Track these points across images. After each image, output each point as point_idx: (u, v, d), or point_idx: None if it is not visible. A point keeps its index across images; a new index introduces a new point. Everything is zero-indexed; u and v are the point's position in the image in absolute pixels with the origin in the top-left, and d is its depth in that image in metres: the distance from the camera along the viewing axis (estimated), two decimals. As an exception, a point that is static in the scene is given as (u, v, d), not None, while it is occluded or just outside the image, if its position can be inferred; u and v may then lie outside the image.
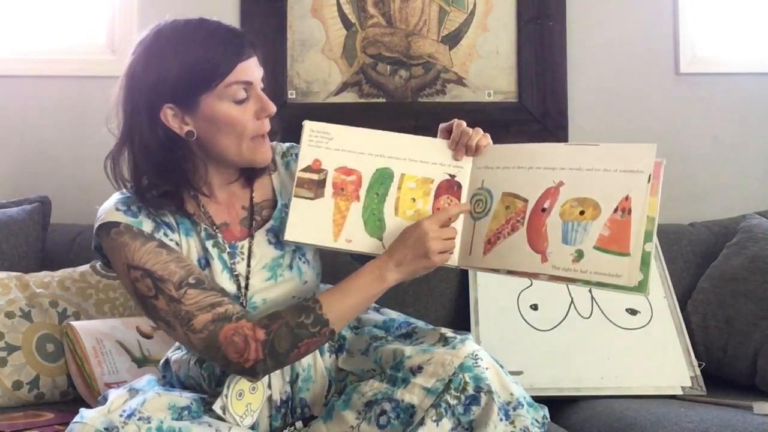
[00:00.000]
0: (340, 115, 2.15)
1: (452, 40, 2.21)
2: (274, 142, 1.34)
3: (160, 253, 1.18)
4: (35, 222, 1.93)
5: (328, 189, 1.26)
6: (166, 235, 1.22)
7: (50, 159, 2.16)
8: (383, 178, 1.27)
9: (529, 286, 1.79)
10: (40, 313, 1.70)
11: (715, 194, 2.23)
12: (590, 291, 1.78)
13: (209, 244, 1.25)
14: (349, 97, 2.20)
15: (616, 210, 1.14)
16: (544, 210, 1.20)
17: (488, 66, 2.21)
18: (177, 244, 1.23)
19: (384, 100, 2.20)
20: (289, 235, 1.25)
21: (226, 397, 1.19)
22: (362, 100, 2.19)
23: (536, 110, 2.18)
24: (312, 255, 1.34)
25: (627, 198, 1.14)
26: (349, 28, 2.20)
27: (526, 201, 1.22)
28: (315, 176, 1.27)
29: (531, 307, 1.77)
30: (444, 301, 1.88)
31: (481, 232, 1.24)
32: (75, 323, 1.65)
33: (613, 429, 1.40)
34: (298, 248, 1.32)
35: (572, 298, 1.78)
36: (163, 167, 1.21)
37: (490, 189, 1.26)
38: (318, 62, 2.20)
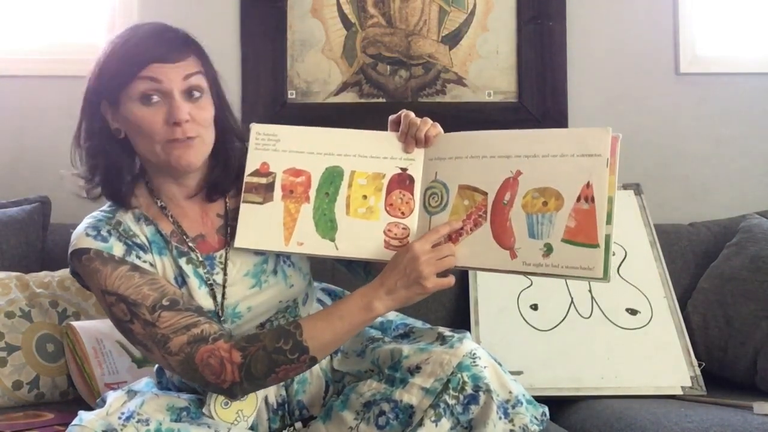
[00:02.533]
0: (340, 115, 2.16)
1: (452, 40, 2.21)
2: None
3: (132, 276, 1.16)
4: (35, 222, 1.93)
5: (277, 192, 1.24)
6: (138, 257, 1.20)
7: (50, 159, 2.15)
8: (333, 176, 1.25)
9: (529, 286, 1.79)
10: (40, 313, 1.70)
11: (715, 194, 2.23)
12: (590, 291, 1.78)
13: (182, 261, 1.23)
14: (349, 97, 2.20)
15: (579, 199, 1.11)
16: (505, 203, 1.16)
17: (488, 66, 2.21)
18: (151, 264, 1.21)
19: (384, 100, 2.19)
20: (240, 242, 1.23)
21: (209, 405, 1.19)
22: (362, 100, 2.19)
23: (536, 110, 2.18)
24: (297, 256, 1.30)
25: (588, 185, 1.11)
26: (349, 28, 2.20)
27: (485, 194, 1.18)
28: (263, 180, 1.25)
29: (531, 307, 1.77)
30: (444, 301, 1.88)
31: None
32: (75, 323, 1.65)
33: (613, 429, 1.40)
34: None
35: (572, 298, 1.78)
36: (95, 156, 1.23)
37: (445, 181, 1.22)
38: (318, 62, 2.20)
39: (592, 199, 1.10)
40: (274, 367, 1.12)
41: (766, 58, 2.26)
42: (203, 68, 1.21)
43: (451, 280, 1.17)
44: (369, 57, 2.20)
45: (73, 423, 1.12)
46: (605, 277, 1.08)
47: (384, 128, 1.29)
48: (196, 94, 1.19)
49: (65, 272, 1.79)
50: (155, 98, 1.17)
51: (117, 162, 1.23)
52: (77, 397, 1.65)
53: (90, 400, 1.59)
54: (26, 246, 1.89)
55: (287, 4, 2.18)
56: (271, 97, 2.17)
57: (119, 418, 1.11)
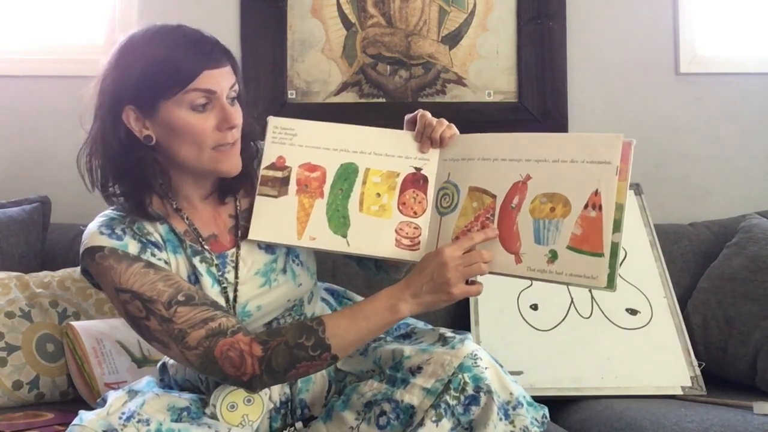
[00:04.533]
0: (340, 116, 2.15)
1: (452, 40, 2.21)
2: (260, 141, 1.31)
3: (147, 273, 1.15)
4: (35, 222, 1.93)
5: (292, 186, 1.25)
6: (153, 254, 1.20)
7: (50, 159, 2.16)
8: (347, 173, 1.25)
9: (529, 286, 1.79)
10: (40, 313, 1.70)
11: (715, 194, 2.23)
12: (590, 291, 1.78)
13: (196, 260, 1.23)
14: (349, 97, 2.20)
15: (586, 206, 1.11)
16: (513, 207, 1.16)
17: (488, 66, 2.21)
18: (166, 262, 1.21)
19: (384, 100, 2.19)
20: (253, 234, 1.24)
21: (215, 407, 1.19)
22: (362, 100, 2.19)
23: (536, 110, 2.18)
24: (306, 255, 1.31)
25: (596, 192, 1.10)
26: (349, 28, 2.20)
27: (494, 197, 1.18)
28: (279, 174, 1.25)
29: (531, 307, 1.77)
30: (444, 301, 1.88)
31: (448, 228, 1.21)
32: (75, 323, 1.65)
33: (613, 429, 1.40)
34: (291, 250, 1.29)
35: (572, 298, 1.78)
36: (123, 168, 1.19)
37: (456, 183, 1.22)
38: (318, 62, 2.20)
39: (600, 208, 1.10)
40: (295, 363, 1.12)
41: (766, 58, 2.26)
42: (236, 74, 1.21)
43: (479, 287, 1.16)
44: (369, 57, 2.20)
45: (73, 423, 1.11)
46: (610, 286, 1.08)
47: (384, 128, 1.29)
48: (236, 100, 1.20)
49: (65, 272, 1.79)
50: (207, 105, 1.16)
51: (149, 175, 1.20)
52: (77, 397, 1.65)
53: (90, 400, 1.59)
54: (26, 246, 1.89)
55: (287, 4, 2.18)
56: (271, 97, 2.17)
57: (120, 418, 1.11)
